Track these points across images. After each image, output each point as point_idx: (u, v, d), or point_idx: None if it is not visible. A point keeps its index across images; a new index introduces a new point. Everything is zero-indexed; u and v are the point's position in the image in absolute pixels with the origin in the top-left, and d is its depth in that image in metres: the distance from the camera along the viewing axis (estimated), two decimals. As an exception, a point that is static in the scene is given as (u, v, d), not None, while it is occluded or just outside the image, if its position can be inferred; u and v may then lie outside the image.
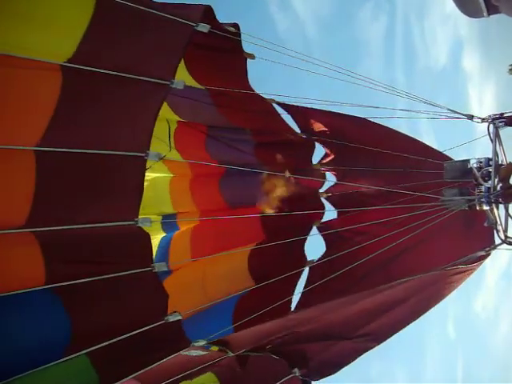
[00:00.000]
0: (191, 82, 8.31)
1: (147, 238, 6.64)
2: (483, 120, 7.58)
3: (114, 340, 5.84)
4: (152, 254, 6.73)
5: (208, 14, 7.10)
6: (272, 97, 8.94)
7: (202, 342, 6.43)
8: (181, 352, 6.38)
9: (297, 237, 9.47)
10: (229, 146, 9.58)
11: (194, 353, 6.57)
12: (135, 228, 6.41)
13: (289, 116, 9.50)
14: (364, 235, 8.86)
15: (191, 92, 8.26)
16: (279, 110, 9.25)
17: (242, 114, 9.05)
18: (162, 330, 6.34)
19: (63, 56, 6.06)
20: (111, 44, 6.35)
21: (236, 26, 7.70)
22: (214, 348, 6.69)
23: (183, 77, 7.93)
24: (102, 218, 6.24)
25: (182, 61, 7.83)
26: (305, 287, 9.32)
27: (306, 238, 10.03)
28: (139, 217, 6.44)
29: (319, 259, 9.82)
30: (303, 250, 10.05)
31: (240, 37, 7.76)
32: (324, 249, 10.10)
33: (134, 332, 5.99)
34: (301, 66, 8.02)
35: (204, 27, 6.91)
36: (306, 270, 9.72)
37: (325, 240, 10.13)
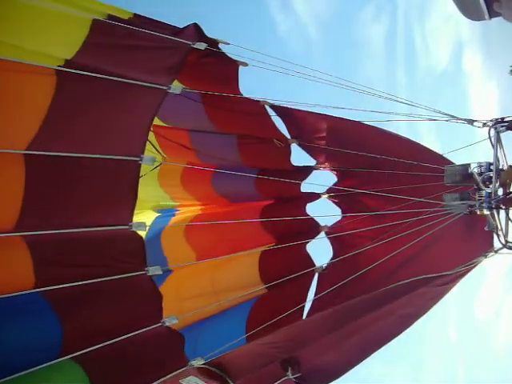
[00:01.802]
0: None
1: (140, 242, 6.56)
2: (484, 124, 7.49)
3: (107, 343, 5.75)
4: (145, 258, 6.63)
5: (198, 31, 7.40)
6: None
7: (200, 361, 6.31)
8: (179, 381, 6.27)
9: (301, 239, 9.42)
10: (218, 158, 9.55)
11: (192, 382, 6.42)
12: (129, 232, 6.33)
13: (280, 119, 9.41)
14: (373, 240, 8.69)
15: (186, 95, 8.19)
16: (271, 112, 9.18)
17: (231, 116, 8.97)
18: (159, 342, 6.22)
19: (59, 61, 6.15)
20: (108, 56, 6.50)
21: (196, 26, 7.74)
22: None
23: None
24: (94, 223, 6.17)
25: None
26: (315, 295, 9.18)
27: (306, 243, 9.90)
28: (133, 221, 6.36)
29: (328, 265, 9.71)
30: (308, 255, 9.90)
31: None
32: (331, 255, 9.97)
33: (129, 335, 5.91)
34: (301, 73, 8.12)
35: (201, 45, 7.21)
36: (316, 277, 9.61)
37: (332, 246, 10.01)
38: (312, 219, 10.16)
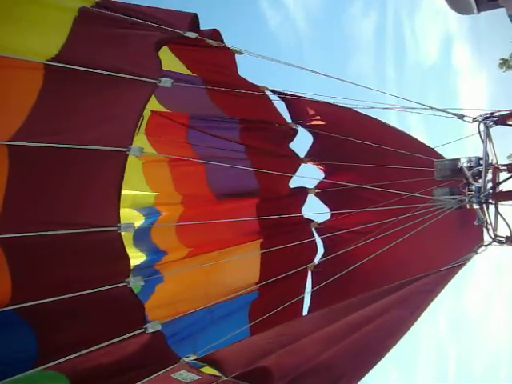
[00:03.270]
0: (184, 70, 8.41)
1: (125, 255, 6.26)
2: (474, 119, 7.51)
3: (84, 352, 5.61)
4: (129, 269, 6.36)
5: (193, 22, 7.43)
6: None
7: (192, 357, 6.12)
8: (171, 375, 6.10)
9: (297, 235, 9.40)
10: (213, 135, 9.46)
11: (184, 377, 6.25)
12: (115, 235, 6.00)
13: (281, 103, 9.59)
14: (365, 235, 8.70)
15: (183, 79, 8.30)
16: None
17: (234, 100, 8.96)
18: (143, 345, 6.08)
19: (46, 55, 6.06)
20: (95, 47, 6.41)
21: (216, 32, 8.00)
22: (206, 369, 6.35)
23: (176, 67, 8.19)
24: (81, 222, 5.90)
25: (174, 55, 8.07)
26: (312, 294, 9.24)
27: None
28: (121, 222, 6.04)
29: (320, 262, 9.75)
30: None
31: (223, 41, 8.04)
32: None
33: (107, 342, 5.74)
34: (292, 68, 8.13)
35: (192, 34, 7.20)
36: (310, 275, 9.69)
37: (323, 243, 10.03)
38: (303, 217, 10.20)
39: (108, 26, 6.72)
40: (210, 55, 8.25)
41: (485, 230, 7.40)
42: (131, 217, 9.20)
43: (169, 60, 8.03)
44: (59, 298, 5.68)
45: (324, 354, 6.75)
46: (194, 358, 6.24)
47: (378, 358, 7.03)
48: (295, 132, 10.02)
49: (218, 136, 9.46)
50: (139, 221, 9.38)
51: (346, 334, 6.56)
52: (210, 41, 7.82)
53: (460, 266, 7.31)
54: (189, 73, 8.49)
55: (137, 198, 9.42)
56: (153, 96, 8.15)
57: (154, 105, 8.72)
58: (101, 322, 6.06)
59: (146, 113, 8.86)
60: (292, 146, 10.20)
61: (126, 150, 6.05)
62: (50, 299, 5.62)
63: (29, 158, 5.77)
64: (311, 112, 9.73)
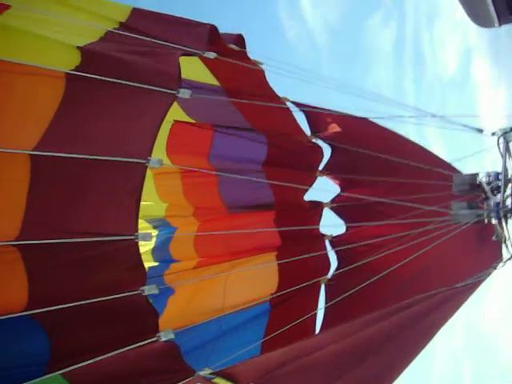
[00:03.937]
0: (213, 81, 8.52)
1: (141, 264, 6.27)
2: (493, 134, 7.45)
3: (96, 359, 5.60)
4: (144, 278, 6.34)
5: (213, 32, 7.49)
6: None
7: (207, 371, 6.05)
8: None
9: (313, 249, 9.33)
10: (239, 138, 9.39)
11: None
12: (133, 244, 6.00)
13: (301, 115, 9.54)
14: (379, 249, 8.58)
15: (210, 89, 8.42)
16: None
17: (260, 111, 8.85)
18: (156, 355, 6.05)
19: (69, 65, 6.15)
20: (114, 59, 6.50)
21: (240, 37, 8.10)
22: (218, 381, 6.20)
23: (205, 77, 8.31)
24: (99, 231, 5.93)
25: (204, 64, 8.20)
26: (325, 308, 9.13)
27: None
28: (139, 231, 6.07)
29: (333, 276, 9.66)
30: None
31: (245, 47, 8.13)
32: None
33: (121, 350, 5.72)
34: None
35: (210, 54, 7.27)
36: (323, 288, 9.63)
37: (338, 256, 9.89)
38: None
39: (129, 44, 6.87)
40: (238, 64, 8.19)
41: (503, 246, 7.31)
42: (142, 228, 9.18)
43: (198, 70, 8.15)
44: (73, 304, 5.69)
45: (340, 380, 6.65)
46: (210, 371, 6.17)
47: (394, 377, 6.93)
48: (317, 146, 9.90)
49: (244, 137, 9.37)
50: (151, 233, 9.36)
51: (361, 357, 6.44)
52: (233, 46, 7.87)
53: (479, 282, 7.19)
54: (216, 83, 8.53)
55: (147, 209, 9.28)
56: (178, 107, 8.29)
57: (179, 115, 8.72)
58: (113, 330, 6.06)
59: (169, 122, 8.87)
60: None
61: (144, 161, 6.09)
62: (65, 305, 5.65)
63: (50, 168, 5.84)
64: (330, 125, 9.67)
